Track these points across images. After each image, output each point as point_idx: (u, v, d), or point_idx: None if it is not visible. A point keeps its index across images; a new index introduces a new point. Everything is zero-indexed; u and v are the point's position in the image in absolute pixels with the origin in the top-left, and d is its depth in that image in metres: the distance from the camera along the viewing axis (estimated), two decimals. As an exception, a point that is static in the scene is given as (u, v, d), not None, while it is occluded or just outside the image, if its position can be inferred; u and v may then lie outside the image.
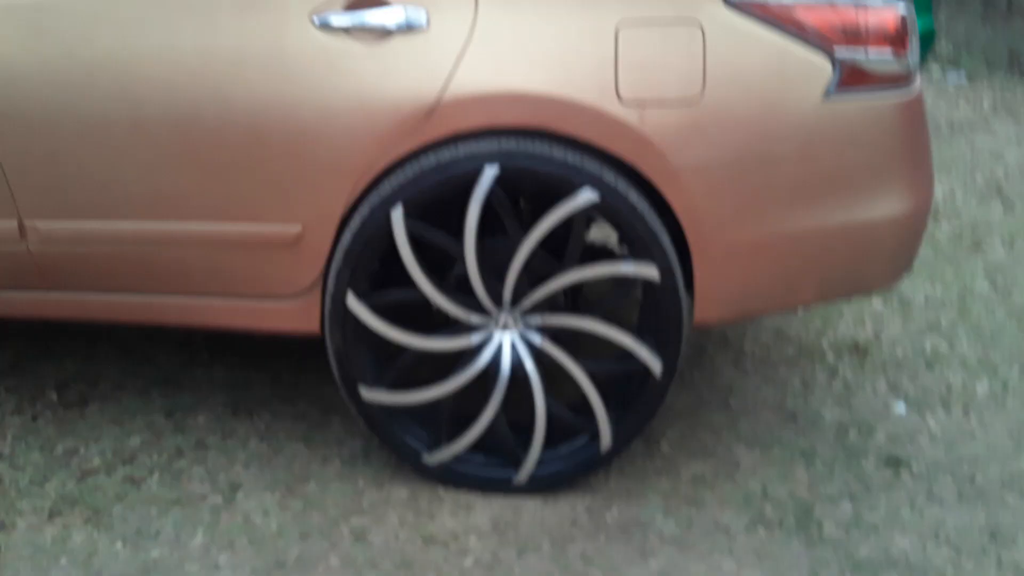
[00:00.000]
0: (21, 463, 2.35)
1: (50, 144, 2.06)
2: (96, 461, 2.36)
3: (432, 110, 1.94)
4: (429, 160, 1.99)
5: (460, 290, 2.09)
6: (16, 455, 2.38)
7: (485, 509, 2.17)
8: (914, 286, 3.35)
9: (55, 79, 2.03)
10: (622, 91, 1.90)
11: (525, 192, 2.09)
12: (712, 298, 2.05)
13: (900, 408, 2.57)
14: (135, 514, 2.15)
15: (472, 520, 2.13)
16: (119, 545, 2.05)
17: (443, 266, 2.11)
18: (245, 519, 2.13)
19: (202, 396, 2.65)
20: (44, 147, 2.07)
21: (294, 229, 2.07)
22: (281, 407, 2.61)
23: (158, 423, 2.52)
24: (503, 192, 2.00)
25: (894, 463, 2.33)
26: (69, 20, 2.01)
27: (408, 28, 1.93)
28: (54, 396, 2.66)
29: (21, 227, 2.14)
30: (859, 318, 3.11)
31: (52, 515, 2.15)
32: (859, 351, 2.89)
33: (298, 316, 2.17)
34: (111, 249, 2.16)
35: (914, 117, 2.06)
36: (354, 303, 2.08)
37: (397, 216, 2.00)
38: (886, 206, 2.06)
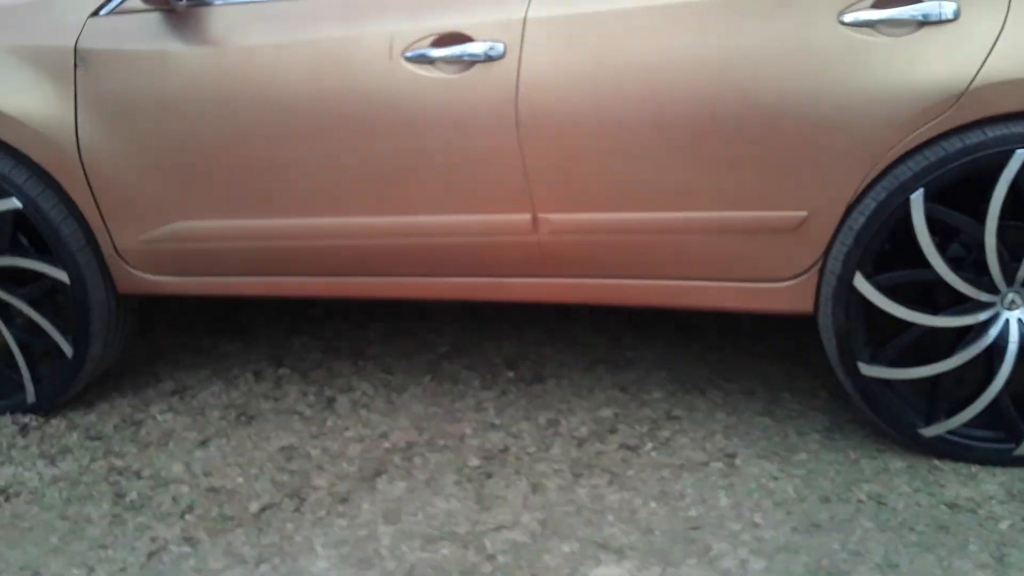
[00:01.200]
0: (515, 431, 2.61)
1: (572, 145, 2.26)
2: (583, 430, 2.58)
3: (960, 96, 2.03)
4: (953, 144, 2.07)
5: (967, 269, 2.17)
6: (507, 425, 2.64)
7: (989, 478, 2.24)
8: None
9: (583, 86, 2.22)
10: None
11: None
12: None
13: None
14: (650, 477, 2.35)
15: (984, 488, 2.20)
16: (653, 504, 2.25)
17: (943, 245, 2.20)
18: (758, 484, 2.29)
19: (643, 373, 2.85)
20: (566, 148, 2.27)
21: (800, 215, 2.21)
22: (725, 384, 2.76)
23: (618, 397, 2.73)
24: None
25: None
26: (600, 30, 2.22)
27: (939, 20, 2.03)
28: (510, 374, 2.92)
29: (534, 220, 2.37)
30: None
31: (576, 476, 2.38)
32: None
33: (791, 297, 2.31)
34: (614, 238, 2.37)
35: None
36: (862, 283, 2.19)
37: (917, 200, 2.10)
38: None
